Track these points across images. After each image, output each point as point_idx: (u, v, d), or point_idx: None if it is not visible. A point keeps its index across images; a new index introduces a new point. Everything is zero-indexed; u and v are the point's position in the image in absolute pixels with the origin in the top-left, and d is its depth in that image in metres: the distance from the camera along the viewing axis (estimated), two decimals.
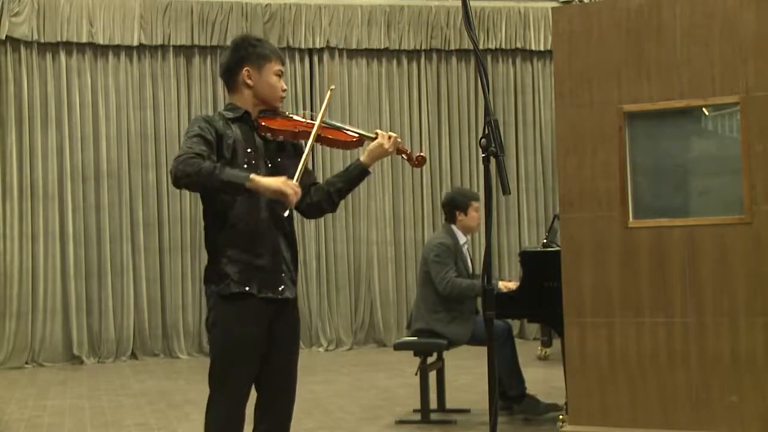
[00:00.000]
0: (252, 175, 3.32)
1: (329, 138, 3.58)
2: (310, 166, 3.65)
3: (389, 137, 3.56)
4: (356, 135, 3.61)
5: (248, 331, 3.42)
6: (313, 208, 3.64)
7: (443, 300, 6.46)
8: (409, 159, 3.67)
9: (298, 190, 3.34)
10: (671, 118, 5.18)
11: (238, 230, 3.42)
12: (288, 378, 3.57)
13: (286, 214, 3.40)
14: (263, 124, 3.52)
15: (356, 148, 3.72)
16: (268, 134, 3.52)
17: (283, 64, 3.61)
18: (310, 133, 3.49)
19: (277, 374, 3.52)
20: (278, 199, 3.34)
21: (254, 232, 3.43)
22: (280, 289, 3.47)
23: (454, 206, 6.72)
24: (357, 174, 3.60)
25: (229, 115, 3.52)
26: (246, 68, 3.53)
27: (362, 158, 3.59)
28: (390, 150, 3.57)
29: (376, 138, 3.58)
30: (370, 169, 3.61)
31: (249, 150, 3.47)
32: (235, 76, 3.55)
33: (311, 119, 3.60)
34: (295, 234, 3.59)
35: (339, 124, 3.67)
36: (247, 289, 3.41)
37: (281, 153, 3.56)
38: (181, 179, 3.30)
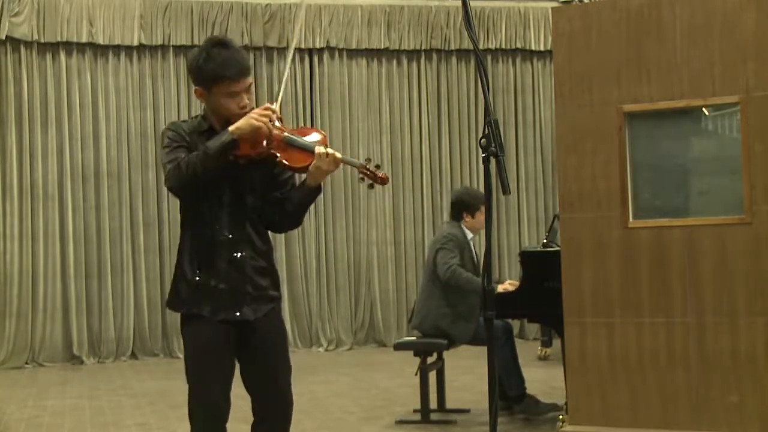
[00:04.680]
0: (230, 128, 3.24)
1: (286, 164, 3.36)
2: (295, 177, 3.53)
3: (326, 155, 3.32)
4: (308, 160, 3.34)
5: (209, 347, 3.33)
6: (277, 226, 3.53)
7: (448, 296, 6.46)
8: (371, 178, 3.42)
9: (273, 115, 3.28)
10: (671, 118, 5.18)
11: (195, 248, 3.35)
12: (276, 394, 3.44)
13: (264, 143, 3.26)
14: None
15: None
16: (230, 156, 3.32)
17: (239, 80, 3.31)
18: (270, 154, 3.33)
19: (261, 392, 3.43)
20: (258, 137, 3.27)
21: (212, 251, 3.33)
22: (237, 311, 3.34)
23: (462, 207, 6.73)
24: (306, 195, 3.42)
25: (198, 128, 3.40)
26: (196, 88, 3.38)
27: (306, 180, 3.39)
28: (330, 168, 3.33)
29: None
30: (321, 187, 3.43)
31: None
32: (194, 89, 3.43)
33: (280, 128, 3.40)
34: (270, 244, 3.48)
35: (297, 140, 3.38)
36: (199, 310, 3.32)
37: (245, 167, 3.37)
38: (186, 184, 3.23)
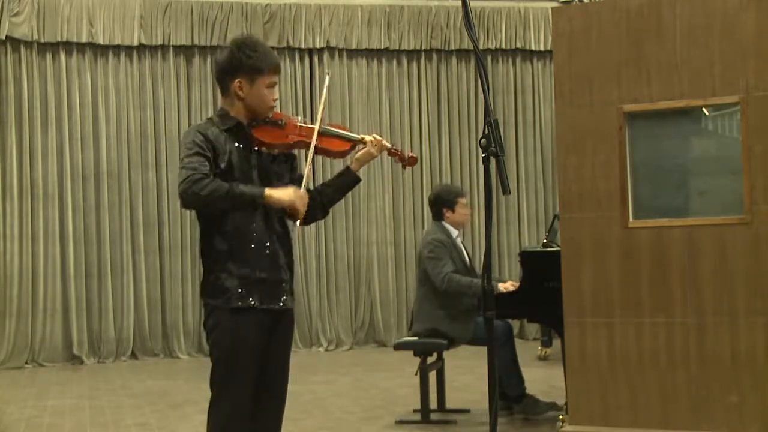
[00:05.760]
0: (266, 191, 3.36)
1: (324, 149, 3.56)
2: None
3: (376, 143, 3.60)
4: (349, 142, 3.61)
5: (250, 340, 3.43)
6: (309, 218, 3.62)
7: (443, 298, 6.46)
8: (402, 160, 3.71)
9: (306, 200, 3.42)
10: (671, 118, 5.18)
11: (238, 243, 3.42)
12: (279, 384, 3.59)
13: (297, 224, 3.43)
14: (257, 137, 3.48)
15: (349, 155, 3.71)
16: (263, 148, 3.49)
17: (278, 73, 3.54)
18: (305, 143, 3.49)
19: (268, 380, 3.54)
20: (290, 212, 3.42)
21: (254, 245, 3.43)
22: (281, 300, 3.51)
23: (440, 204, 6.71)
24: (349, 182, 3.65)
25: (222, 125, 3.48)
26: (238, 79, 3.47)
27: (352, 165, 3.62)
28: (377, 155, 3.61)
29: (363, 142, 3.61)
30: (361, 176, 3.66)
31: (242, 160, 3.45)
32: (227, 83, 3.51)
33: (305, 124, 3.57)
34: (291, 240, 3.60)
35: (333, 129, 3.64)
36: (250, 301, 3.42)
37: (273, 161, 3.55)
38: (194, 201, 3.30)
